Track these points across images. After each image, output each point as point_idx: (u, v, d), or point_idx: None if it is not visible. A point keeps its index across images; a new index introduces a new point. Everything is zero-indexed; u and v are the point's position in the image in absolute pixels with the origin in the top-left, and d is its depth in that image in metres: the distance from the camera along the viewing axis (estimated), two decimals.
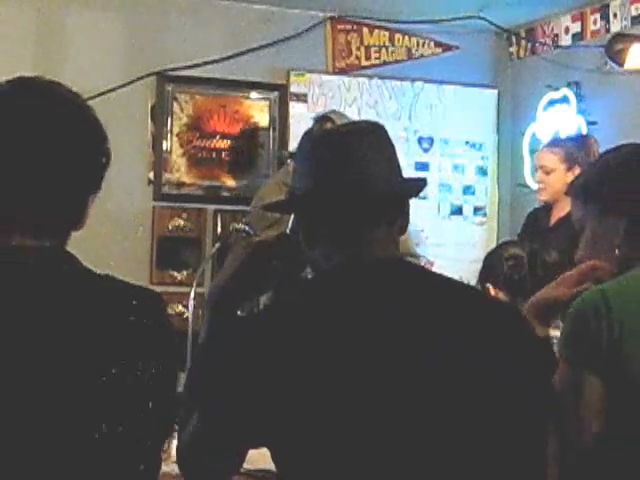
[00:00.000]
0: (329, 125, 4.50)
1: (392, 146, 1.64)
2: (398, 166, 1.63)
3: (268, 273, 1.64)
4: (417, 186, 1.69)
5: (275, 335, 1.51)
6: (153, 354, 1.39)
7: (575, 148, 4.41)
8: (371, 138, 1.60)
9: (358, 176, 1.55)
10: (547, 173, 4.37)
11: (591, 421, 1.76)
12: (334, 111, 4.89)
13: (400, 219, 1.62)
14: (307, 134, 1.65)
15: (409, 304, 1.52)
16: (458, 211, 5.72)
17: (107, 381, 1.33)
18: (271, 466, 1.59)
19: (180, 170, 5.28)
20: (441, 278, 1.61)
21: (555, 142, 4.61)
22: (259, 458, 1.76)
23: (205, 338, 1.63)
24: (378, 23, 5.60)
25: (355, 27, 5.60)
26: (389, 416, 1.47)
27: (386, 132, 1.65)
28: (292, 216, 1.69)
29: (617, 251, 1.93)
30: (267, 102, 5.43)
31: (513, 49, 5.81)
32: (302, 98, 5.43)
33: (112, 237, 5.06)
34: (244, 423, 1.52)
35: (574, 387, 1.77)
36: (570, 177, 4.28)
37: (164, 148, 5.24)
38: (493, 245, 4.72)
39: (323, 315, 1.52)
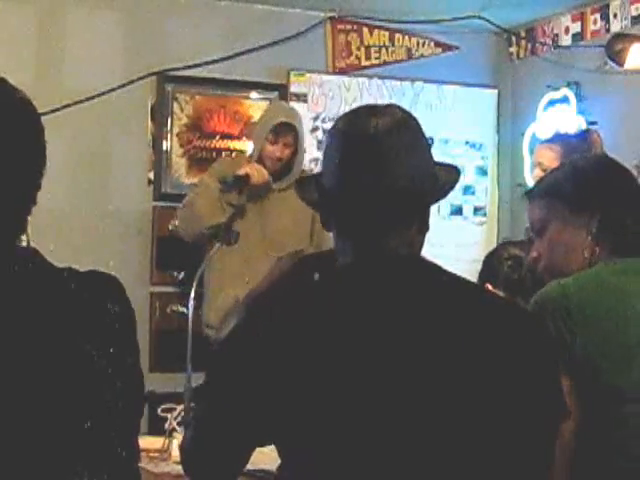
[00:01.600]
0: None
1: (419, 142, 1.60)
2: (425, 162, 1.59)
3: (306, 284, 1.66)
4: (443, 187, 1.64)
5: (280, 329, 1.52)
6: (121, 337, 1.39)
7: (575, 145, 4.29)
8: (397, 137, 1.56)
9: (374, 176, 1.54)
10: (544, 170, 4.16)
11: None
12: None
13: (418, 220, 1.61)
14: (333, 129, 1.62)
15: (415, 303, 1.53)
16: (458, 211, 5.71)
17: (80, 369, 1.33)
18: (271, 466, 1.60)
19: (180, 170, 5.27)
20: (449, 277, 1.61)
21: (554, 138, 4.48)
22: (259, 458, 1.76)
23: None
24: (378, 23, 5.60)
25: (355, 27, 5.59)
26: (393, 413, 1.47)
27: (417, 125, 1.60)
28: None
29: (585, 252, 1.94)
30: (267, 102, 5.42)
31: (513, 49, 5.81)
32: (302, 98, 5.43)
33: (112, 237, 5.06)
34: (247, 420, 1.52)
35: None
36: None
37: (164, 148, 5.24)
38: (493, 245, 4.72)
39: (327, 312, 1.52)
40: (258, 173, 4.22)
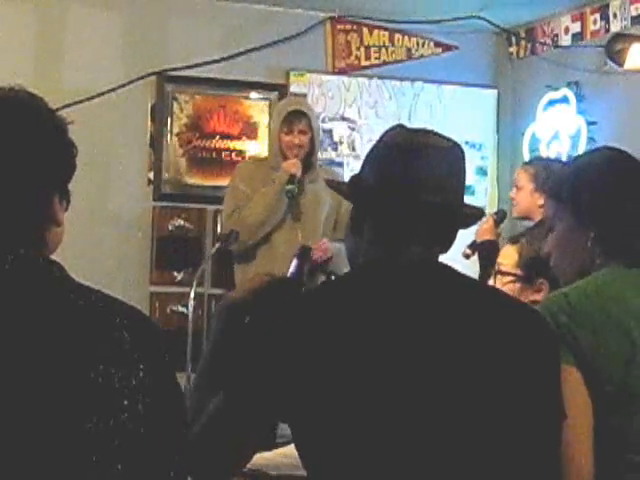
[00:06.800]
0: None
1: (462, 169, 1.74)
2: (459, 189, 1.72)
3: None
4: (470, 215, 1.77)
5: (304, 320, 1.55)
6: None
7: (554, 170, 4.17)
8: (443, 156, 1.71)
9: (415, 184, 1.63)
10: (518, 189, 4.32)
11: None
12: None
13: (443, 239, 1.66)
14: (389, 140, 1.74)
15: (434, 305, 1.57)
16: None
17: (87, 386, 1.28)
18: (270, 466, 1.60)
19: (180, 170, 5.28)
20: (464, 280, 1.65)
21: (531, 161, 4.57)
22: (259, 458, 1.77)
23: (215, 339, 1.67)
24: (378, 23, 5.60)
25: (355, 27, 5.60)
26: (405, 409, 1.50)
27: (462, 154, 1.75)
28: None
29: (587, 256, 1.92)
30: (267, 102, 5.42)
31: (513, 49, 5.82)
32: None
33: (112, 237, 5.07)
34: (265, 402, 1.54)
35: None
36: (537, 198, 4.16)
37: (164, 148, 5.24)
38: None
39: (349, 306, 1.55)
40: (296, 167, 4.38)
